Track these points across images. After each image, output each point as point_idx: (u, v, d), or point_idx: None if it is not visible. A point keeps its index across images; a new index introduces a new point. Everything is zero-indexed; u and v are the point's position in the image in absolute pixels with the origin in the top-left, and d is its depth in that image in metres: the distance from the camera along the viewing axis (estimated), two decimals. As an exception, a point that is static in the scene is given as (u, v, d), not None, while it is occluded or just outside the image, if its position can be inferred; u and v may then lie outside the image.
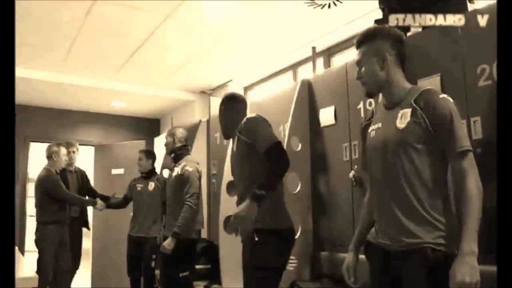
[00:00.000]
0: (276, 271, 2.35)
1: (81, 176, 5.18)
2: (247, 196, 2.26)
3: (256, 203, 2.18)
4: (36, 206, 4.44)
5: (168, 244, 3.49)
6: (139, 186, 4.71)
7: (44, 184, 4.33)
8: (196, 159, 3.95)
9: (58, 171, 4.51)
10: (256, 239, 2.32)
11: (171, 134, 3.86)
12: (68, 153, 4.88)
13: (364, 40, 1.80)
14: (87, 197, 5.04)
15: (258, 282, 2.33)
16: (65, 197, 4.44)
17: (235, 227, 2.32)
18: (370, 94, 1.85)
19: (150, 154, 4.85)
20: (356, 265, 1.94)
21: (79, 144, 5.42)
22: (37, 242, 4.28)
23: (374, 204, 1.80)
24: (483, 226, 1.52)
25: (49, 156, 4.47)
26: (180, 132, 3.87)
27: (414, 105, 1.64)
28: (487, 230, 1.57)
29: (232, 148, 2.54)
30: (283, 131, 3.52)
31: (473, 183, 1.53)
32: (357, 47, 1.83)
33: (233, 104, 2.63)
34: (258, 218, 2.28)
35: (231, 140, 2.59)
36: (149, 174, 4.77)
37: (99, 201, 4.73)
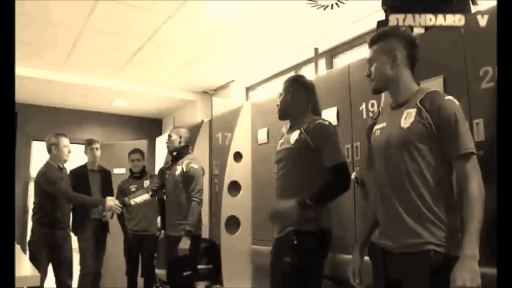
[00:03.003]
0: (313, 273, 2.35)
1: (106, 176, 4.82)
2: (288, 191, 2.38)
3: (301, 209, 2.22)
4: (33, 203, 4.03)
5: (183, 243, 3.52)
6: (132, 187, 4.73)
7: (40, 179, 3.89)
8: (198, 159, 3.99)
9: (61, 166, 4.04)
10: (295, 242, 2.30)
11: (177, 132, 3.91)
12: (91, 150, 4.66)
13: (378, 38, 1.83)
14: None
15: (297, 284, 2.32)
16: (62, 195, 3.86)
17: (274, 220, 2.35)
18: (377, 91, 1.88)
19: (144, 154, 4.92)
20: (361, 266, 1.94)
21: (80, 143, 5.39)
22: (29, 243, 3.88)
23: (378, 203, 1.81)
24: (487, 228, 1.52)
25: (49, 149, 4.02)
26: (186, 132, 3.96)
27: (419, 105, 1.65)
28: (491, 232, 1.56)
29: (288, 139, 2.50)
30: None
31: (476, 187, 1.53)
32: (370, 45, 1.85)
33: (300, 87, 2.58)
34: (297, 220, 2.30)
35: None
36: (142, 173, 4.82)
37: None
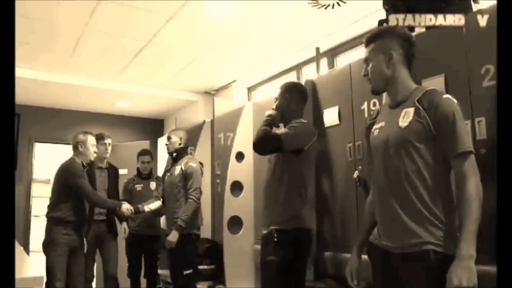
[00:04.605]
0: (296, 270, 2.47)
1: (113, 174, 4.52)
2: (272, 185, 2.59)
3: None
4: (50, 199, 3.71)
5: (172, 237, 3.58)
6: (139, 187, 4.72)
7: (64, 172, 3.63)
8: (200, 160, 4.03)
9: (85, 164, 3.81)
10: (276, 239, 2.43)
11: (177, 134, 3.98)
12: (102, 145, 4.32)
13: (373, 38, 1.83)
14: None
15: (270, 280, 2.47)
16: (85, 192, 3.63)
17: None
18: (376, 92, 1.87)
19: (152, 155, 4.93)
20: (359, 267, 1.94)
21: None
22: (44, 245, 3.58)
23: (376, 203, 1.81)
24: (490, 227, 1.51)
25: (75, 147, 3.77)
26: (185, 134, 4.04)
27: (417, 104, 1.64)
28: (493, 230, 1.55)
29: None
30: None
31: (473, 186, 1.51)
32: (366, 45, 1.85)
33: (294, 93, 2.73)
34: (277, 219, 2.47)
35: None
36: (149, 174, 4.83)
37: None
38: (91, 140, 3.83)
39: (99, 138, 4.31)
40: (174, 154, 3.93)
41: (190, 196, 3.66)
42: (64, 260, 3.53)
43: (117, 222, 4.55)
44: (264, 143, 2.52)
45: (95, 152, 3.90)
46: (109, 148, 4.43)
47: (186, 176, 3.73)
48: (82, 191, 3.63)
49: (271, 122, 2.60)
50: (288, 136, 2.49)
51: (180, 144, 3.92)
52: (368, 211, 1.94)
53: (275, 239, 2.42)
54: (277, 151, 2.53)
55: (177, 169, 3.80)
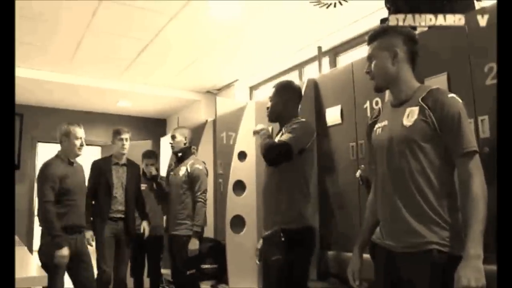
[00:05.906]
0: (300, 269, 2.46)
1: (133, 172, 4.28)
2: (270, 188, 2.56)
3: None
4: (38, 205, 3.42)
5: (193, 244, 3.62)
6: (143, 186, 4.72)
7: (39, 174, 3.30)
8: (202, 159, 4.02)
9: (72, 160, 3.44)
10: (283, 239, 2.40)
11: (182, 133, 3.95)
12: (119, 140, 4.11)
13: (377, 35, 1.82)
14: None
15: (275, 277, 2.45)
16: (40, 200, 3.22)
17: None
18: (379, 89, 1.85)
19: (157, 156, 4.92)
20: (360, 267, 1.93)
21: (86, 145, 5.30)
22: (39, 253, 3.27)
23: (379, 203, 1.79)
24: (494, 226, 1.50)
25: (60, 140, 3.41)
26: (190, 133, 4.03)
27: (421, 103, 1.63)
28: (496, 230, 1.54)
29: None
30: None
31: (479, 185, 1.51)
32: (369, 43, 1.84)
33: (288, 92, 2.70)
34: (282, 219, 2.45)
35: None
36: (153, 175, 4.81)
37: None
38: (76, 132, 3.39)
39: (116, 133, 4.18)
40: (179, 154, 3.91)
41: (199, 199, 3.68)
42: (61, 272, 3.27)
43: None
44: (273, 152, 2.44)
45: (81, 146, 3.42)
46: (126, 144, 4.15)
47: (192, 178, 3.73)
48: (40, 198, 3.23)
49: (269, 134, 2.60)
50: (293, 140, 2.43)
51: (185, 143, 3.91)
52: (369, 210, 1.93)
53: (282, 239, 2.39)
54: (288, 157, 2.42)
55: (182, 170, 3.79)
